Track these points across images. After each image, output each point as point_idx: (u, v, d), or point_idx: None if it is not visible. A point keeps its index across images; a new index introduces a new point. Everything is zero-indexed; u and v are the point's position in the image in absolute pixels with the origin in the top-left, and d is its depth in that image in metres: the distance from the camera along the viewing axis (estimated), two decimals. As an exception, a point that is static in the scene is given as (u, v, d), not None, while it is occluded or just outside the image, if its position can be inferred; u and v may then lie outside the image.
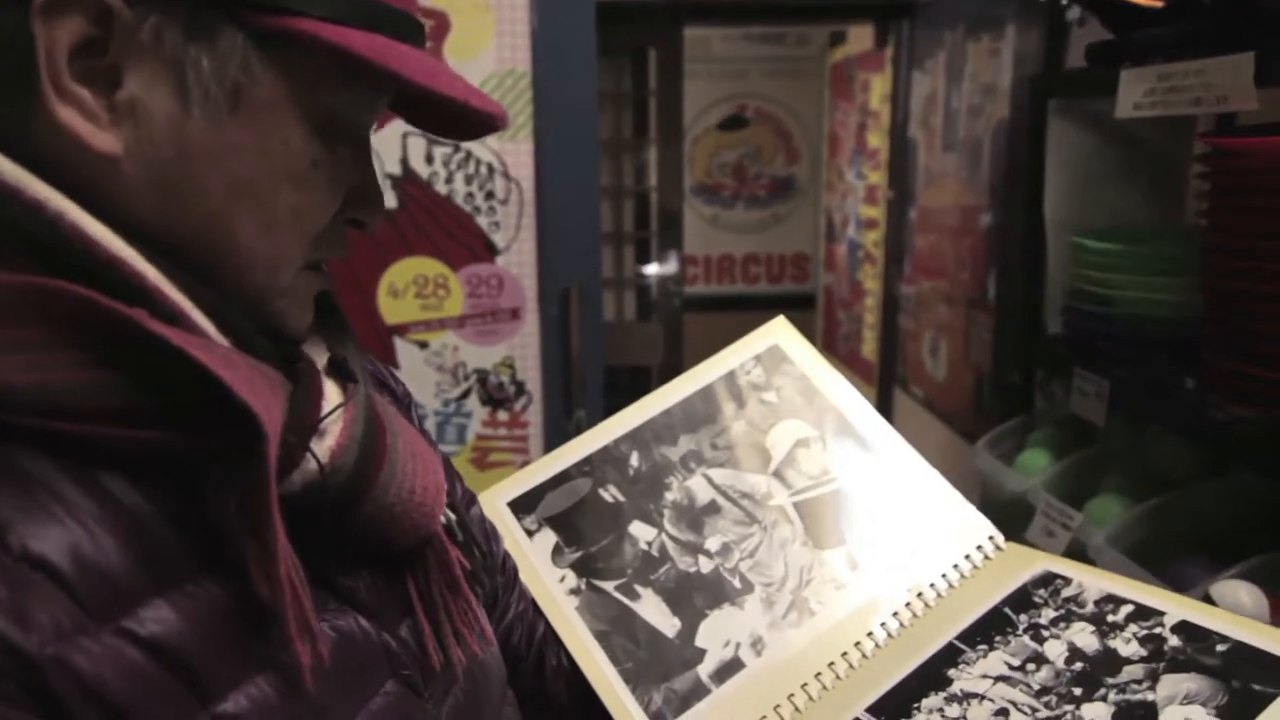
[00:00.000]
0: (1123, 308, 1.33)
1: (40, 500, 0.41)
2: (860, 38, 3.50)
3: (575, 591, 0.80)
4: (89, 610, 0.40)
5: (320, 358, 0.56)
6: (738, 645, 0.78)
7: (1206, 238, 1.13)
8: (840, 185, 3.86)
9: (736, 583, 0.81)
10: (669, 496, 0.86)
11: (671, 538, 0.83)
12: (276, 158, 0.49)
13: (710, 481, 0.87)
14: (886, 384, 3.08)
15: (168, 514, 0.45)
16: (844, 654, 0.76)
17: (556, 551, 0.83)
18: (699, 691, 0.75)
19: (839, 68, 3.89)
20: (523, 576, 0.80)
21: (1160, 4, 1.15)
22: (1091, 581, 0.76)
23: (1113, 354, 1.35)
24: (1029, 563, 0.80)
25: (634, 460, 0.88)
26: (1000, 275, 2.07)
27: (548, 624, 0.79)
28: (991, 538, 0.83)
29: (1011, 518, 1.46)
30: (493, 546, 0.77)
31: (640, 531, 0.84)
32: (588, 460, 0.88)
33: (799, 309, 4.39)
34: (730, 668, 0.76)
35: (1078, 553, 1.27)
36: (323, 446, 0.50)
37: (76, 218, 0.44)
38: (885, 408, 3.08)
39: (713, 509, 0.85)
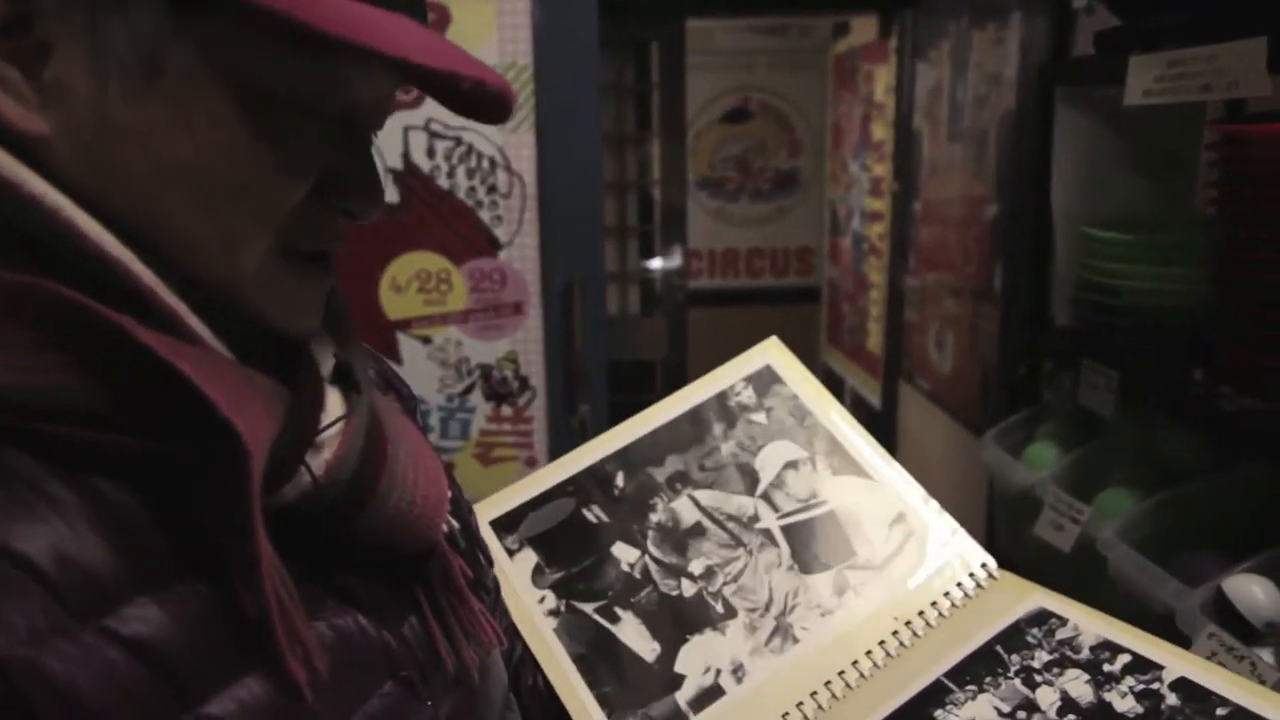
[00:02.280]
0: (1132, 298, 1.32)
1: (23, 498, 0.40)
2: (863, 29, 3.48)
3: (554, 613, 0.79)
4: (70, 609, 0.39)
5: (326, 363, 0.54)
6: (718, 672, 0.76)
7: (1217, 227, 1.12)
8: (844, 178, 3.84)
9: (719, 607, 0.79)
10: (654, 518, 0.84)
11: (654, 560, 0.82)
12: (203, 133, 0.45)
13: (696, 503, 0.85)
14: (892, 377, 3.07)
15: (157, 514, 0.44)
16: (827, 683, 0.75)
17: (537, 572, 0.81)
18: (676, 719, 0.74)
19: (842, 59, 3.87)
20: (503, 596, 0.79)
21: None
22: (1088, 625, 0.74)
23: (1121, 345, 1.34)
24: (1022, 596, 0.79)
25: (619, 480, 0.86)
26: (1007, 267, 2.05)
27: (525, 645, 0.78)
28: (984, 565, 0.83)
29: (1020, 511, 1.45)
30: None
31: (623, 553, 0.82)
32: (572, 480, 0.86)
33: (804, 303, 4.38)
34: (710, 695, 0.75)
35: (1087, 546, 1.25)
36: (319, 460, 0.48)
37: (71, 214, 0.43)
38: (891, 401, 3.07)
39: (698, 531, 0.84)
